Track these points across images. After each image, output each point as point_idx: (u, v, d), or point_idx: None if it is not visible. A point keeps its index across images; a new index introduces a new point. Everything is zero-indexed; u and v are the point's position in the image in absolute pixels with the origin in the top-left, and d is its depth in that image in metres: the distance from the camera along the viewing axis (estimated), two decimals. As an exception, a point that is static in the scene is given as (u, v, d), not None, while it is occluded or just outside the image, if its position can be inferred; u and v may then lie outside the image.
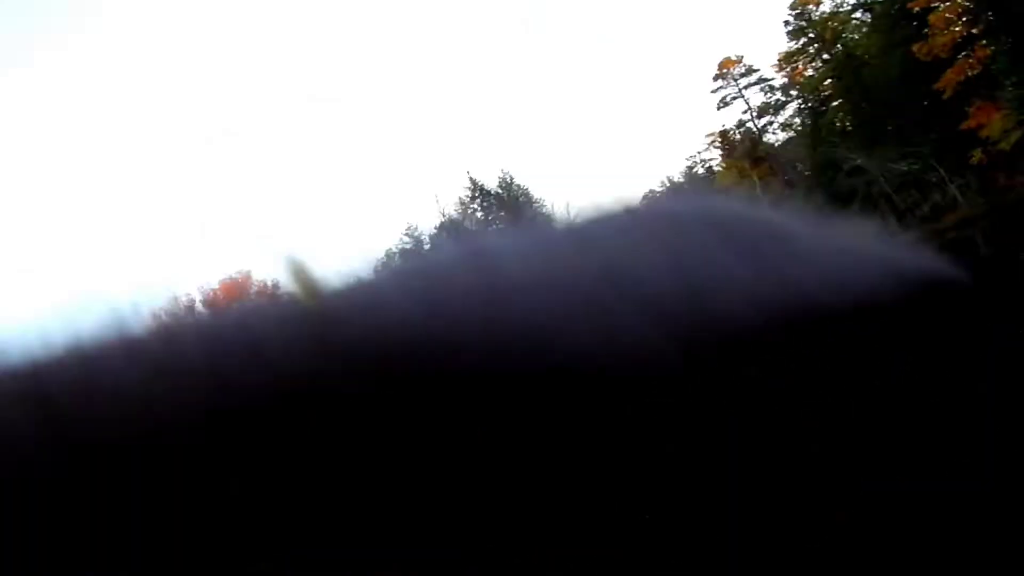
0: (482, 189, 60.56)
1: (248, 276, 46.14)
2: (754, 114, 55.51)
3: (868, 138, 45.90)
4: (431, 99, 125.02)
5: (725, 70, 55.27)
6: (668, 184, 71.97)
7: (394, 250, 60.09)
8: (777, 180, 52.37)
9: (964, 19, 41.11)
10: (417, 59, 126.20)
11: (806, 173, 51.91)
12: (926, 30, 41.85)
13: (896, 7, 44.21)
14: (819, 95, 51.51)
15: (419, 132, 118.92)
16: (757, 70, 55.09)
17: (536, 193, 61.17)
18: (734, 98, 55.55)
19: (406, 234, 60.36)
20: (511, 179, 60.45)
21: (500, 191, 60.48)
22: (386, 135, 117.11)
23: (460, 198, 62.52)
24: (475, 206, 60.75)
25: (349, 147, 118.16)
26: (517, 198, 60.26)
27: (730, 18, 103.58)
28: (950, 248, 34.94)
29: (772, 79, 54.98)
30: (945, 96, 41.32)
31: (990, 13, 38.44)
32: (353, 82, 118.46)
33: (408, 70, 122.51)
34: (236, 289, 45.89)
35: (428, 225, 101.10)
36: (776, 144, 55.70)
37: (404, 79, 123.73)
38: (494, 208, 60.37)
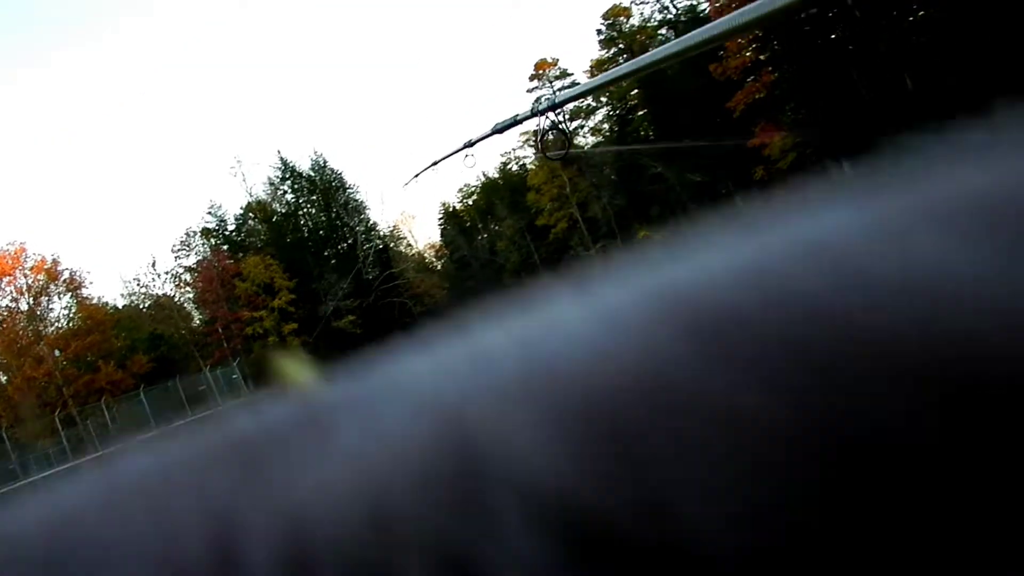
0: (293, 170, 57.98)
1: (23, 248, 41.07)
2: (566, 116, 57.35)
3: (667, 148, 48.79)
4: (242, 75, 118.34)
5: (541, 71, 56.57)
6: (483, 179, 72.87)
7: (195, 229, 56.22)
8: (585, 182, 54.48)
9: (754, 45, 44.78)
10: (229, 31, 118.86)
11: (612, 177, 54.44)
12: (721, 52, 45.15)
13: (697, 26, 47.34)
14: (626, 104, 54.23)
15: (226, 110, 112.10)
16: (571, 74, 56.94)
17: (350, 178, 59.64)
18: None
19: (209, 212, 56.56)
20: (324, 162, 58.41)
21: (312, 173, 58.22)
22: (187, 111, 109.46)
23: (269, 178, 59.60)
24: (285, 187, 58.13)
25: (149, 120, 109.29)
26: (330, 182, 58.35)
27: (550, 18, 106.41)
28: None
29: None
30: (735, 115, 44.81)
31: (775, 42, 42.04)
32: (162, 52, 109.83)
33: (219, 42, 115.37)
34: (6, 262, 40.75)
35: (233, 205, 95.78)
36: (586, 147, 57.95)
37: (215, 49, 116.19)
38: (305, 191, 58.06)
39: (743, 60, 44.88)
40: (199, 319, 52.66)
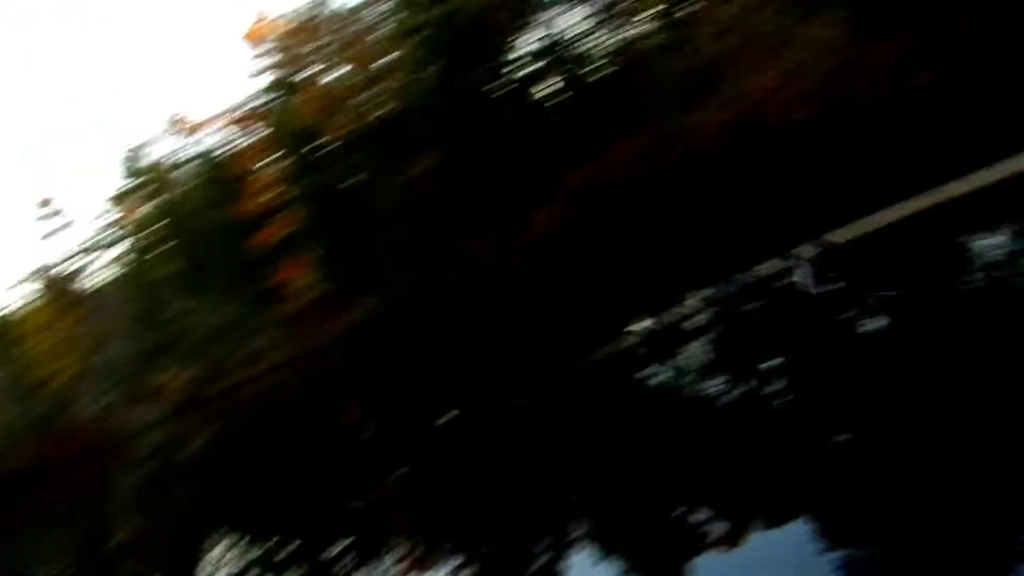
0: None
1: None
2: (74, 253, 51.33)
3: (196, 284, 46.13)
4: None
5: (47, 203, 50.48)
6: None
7: None
8: (93, 324, 48.41)
9: (279, 186, 45.17)
10: None
11: (132, 317, 49.26)
12: (246, 190, 44.72)
13: (221, 165, 46.66)
14: (146, 239, 50.28)
15: None
16: (76, 207, 51.64)
17: None
18: (51, 235, 50.76)
19: None
20: None
21: None
22: None
23: None
24: None
25: None
26: None
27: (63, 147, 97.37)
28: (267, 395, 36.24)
29: (94, 217, 52.41)
30: (264, 250, 44.12)
31: (299, 183, 42.87)
32: None
33: None
34: None
35: None
36: (98, 285, 52.00)
37: None
38: None
39: (269, 199, 44.74)
40: None
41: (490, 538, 7.30)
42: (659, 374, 10.77)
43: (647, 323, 12.90)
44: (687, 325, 11.50)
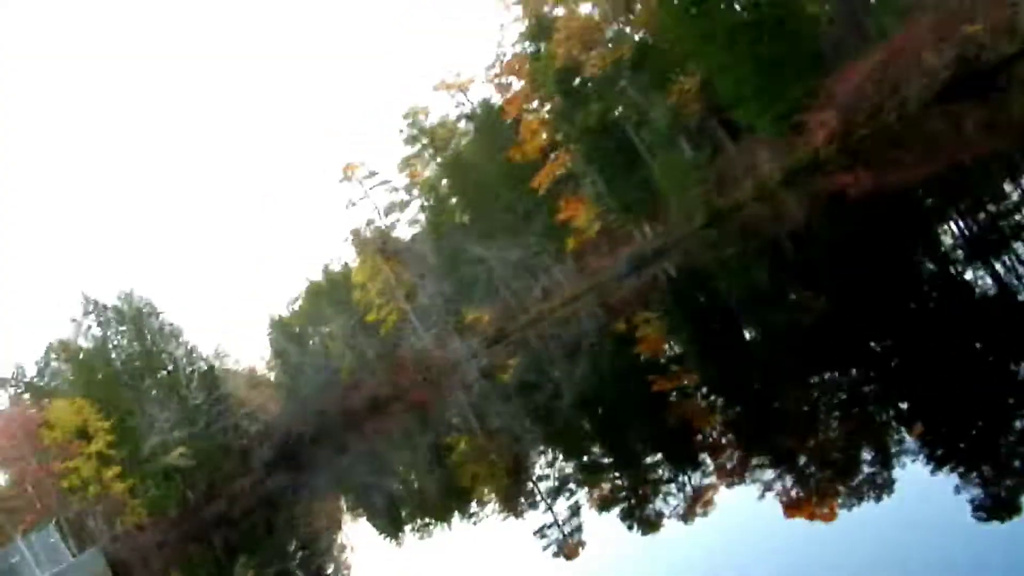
0: (96, 303, 54.02)
1: None
2: (381, 213, 58.04)
3: (483, 231, 50.41)
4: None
5: (349, 173, 57.15)
6: (306, 282, 71.65)
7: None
8: (408, 273, 55.01)
9: (549, 127, 47.73)
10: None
11: (435, 265, 55.40)
12: (519, 137, 47.82)
13: (492, 116, 49.98)
14: (437, 194, 55.80)
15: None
16: (377, 172, 57.85)
17: (161, 305, 56.24)
18: (361, 199, 57.55)
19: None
20: (131, 292, 55.00)
21: (119, 302, 54.48)
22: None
23: (72, 317, 54.79)
24: (89, 321, 53.92)
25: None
26: (140, 309, 54.83)
27: (353, 123, 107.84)
28: (563, 323, 39.42)
29: (391, 180, 58.23)
30: (540, 193, 47.25)
31: (567, 122, 44.95)
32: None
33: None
34: None
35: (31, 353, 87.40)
36: (405, 239, 58.75)
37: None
38: (112, 322, 54.14)
39: (540, 143, 47.69)
40: (1, 480, 47.07)
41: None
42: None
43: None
44: None
